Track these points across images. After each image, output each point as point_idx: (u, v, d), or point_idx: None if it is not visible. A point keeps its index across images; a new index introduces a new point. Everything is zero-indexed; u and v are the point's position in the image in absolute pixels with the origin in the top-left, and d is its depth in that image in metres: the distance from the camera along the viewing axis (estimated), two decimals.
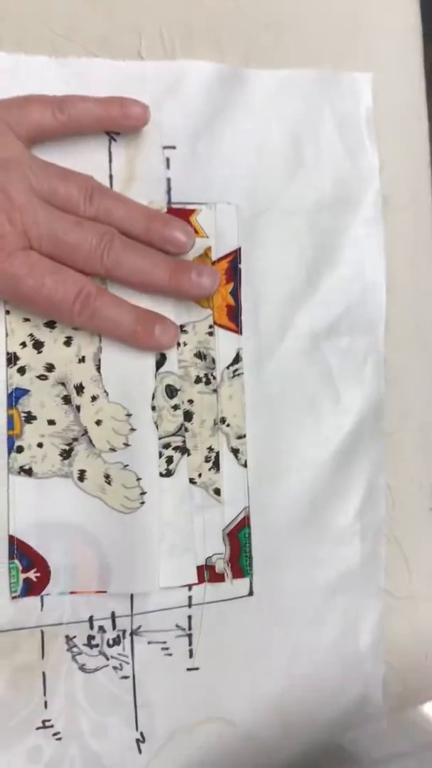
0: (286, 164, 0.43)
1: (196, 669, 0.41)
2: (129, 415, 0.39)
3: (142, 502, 0.39)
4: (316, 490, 0.43)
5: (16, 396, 0.39)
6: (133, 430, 0.39)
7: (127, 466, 0.39)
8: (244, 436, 0.42)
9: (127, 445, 0.39)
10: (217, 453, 0.41)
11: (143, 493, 0.39)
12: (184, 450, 0.41)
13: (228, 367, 0.42)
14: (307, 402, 0.43)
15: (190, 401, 0.41)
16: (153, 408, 0.39)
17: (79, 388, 0.39)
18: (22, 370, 0.39)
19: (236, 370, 0.42)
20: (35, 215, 0.35)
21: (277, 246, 0.43)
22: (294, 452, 0.43)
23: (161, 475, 0.40)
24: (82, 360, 0.39)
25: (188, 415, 0.41)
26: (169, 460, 0.40)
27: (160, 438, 0.40)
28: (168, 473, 0.40)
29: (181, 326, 0.41)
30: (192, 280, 0.39)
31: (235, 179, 0.42)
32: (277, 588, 0.43)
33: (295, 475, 0.43)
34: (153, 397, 0.39)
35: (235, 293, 0.42)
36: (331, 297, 0.43)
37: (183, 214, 0.40)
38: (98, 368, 0.39)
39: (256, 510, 0.42)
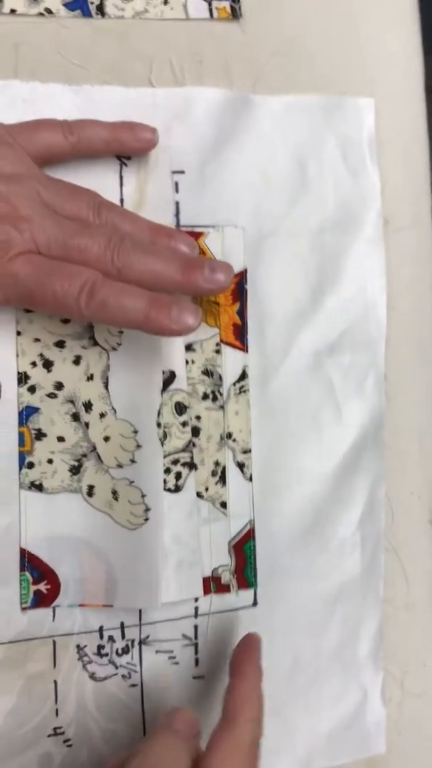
0: (291, 187, 0.44)
1: (202, 677, 0.43)
2: (136, 431, 0.41)
3: (146, 519, 0.40)
4: (318, 502, 0.45)
5: (26, 414, 0.40)
6: (139, 446, 0.40)
7: (132, 482, 0.40)
8: (250, 450, 0.43)
9: (133, 461, 0.40)
10: (224, 467, 0.43)
11: (147, 510, 0.40)
12: (192, 466, 0.42)
13: (234, 384, 0.43)
14: (310, 417, 0.45)
15: (198, 417, 0.42)
16: (158, 425, 0.40)
17: (88, 406, 0.40)
18: (32, 389, 0.40)
19: (242, 386, 0.43)
20: (42, 222, 0.36)
21: (282, 267, 0.44)
22: (297, 466, 0.44)
23: (170, 491, 0.41)
24: (90, 378, 0.40)
25: (195, 431, 0.42)
26: (178, 475, 0.41)
27: (169, 454, 0.41)
28: (176, 489, 0.41)
29: (189, 344, 0.42)
30: (206, 275, 0.37)
31: (241, 202, 0.43)
32: (280, 598, 0.44)
33: (298, 488, 0.44)
34: (159, 414, 0.41)
35: (242, 313, 0.43)
36: (333, 316, 0.45)
37: (191, 236, 0.41)
38: (106, 386, 0.41)
39: (261, 522, 0.43)
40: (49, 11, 0.40)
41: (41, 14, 0.40)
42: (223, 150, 0.42)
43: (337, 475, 0.45)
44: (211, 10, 0.43)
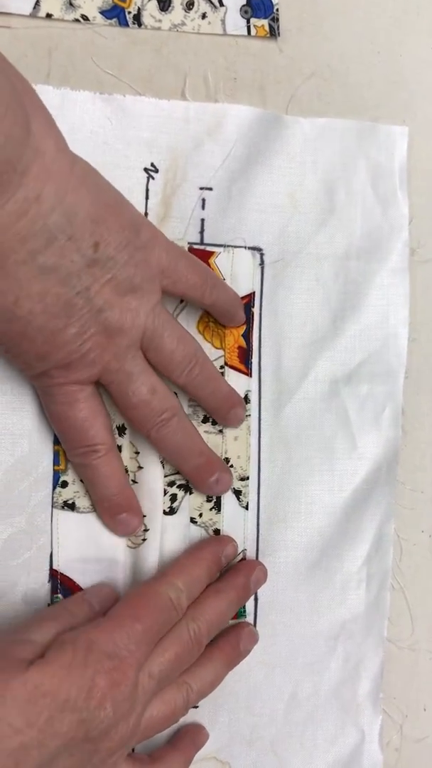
0: (317, 211, 0.43)
1: (197, 707, 0.41)
2: (137, 452, 0.40)
3: (144, 539, 0.39)
4: (326, 535, 0.43)
5: None
6: (140, 467, 0.40)
7: None
8: (248, 478, 0.42)
9: (134, 482, 0.40)
10: None
11: (146, 530, 0.39)
12: (187, 488, 0.41)
13: None
14: (323, 446, 0.43)
15: None
16: None
17: (121, 429, 0.39)
18: None
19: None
20: (123, 358, 0.36)
21: (304, 290, 0.43)
22: (307, 496, 0.43)
23: (164, 512, 0.40)
24: None
25: None
26: (173, 497, 0.40)
27: (165, 476, 0.40)
28: (171, 511, 0.40)
29: None
30: (209, 484, 0.40)
31: (266, 223, 0.42)
32: (280, 631, 0.43)
33: (307, 519, 0.43)
34: None
35: (247, 336, 0.42)
36: (353, 344, 0.44)
37: (202, 255, 0.40)
38: None
39: (265, 552, 0.42)
40: (85, 18, 0.40)
41: (77, 20, 0.40)
42: (252, 169, 0.42)
43: (347, 508, 0.44)
44: (249, 28, 0.42)
